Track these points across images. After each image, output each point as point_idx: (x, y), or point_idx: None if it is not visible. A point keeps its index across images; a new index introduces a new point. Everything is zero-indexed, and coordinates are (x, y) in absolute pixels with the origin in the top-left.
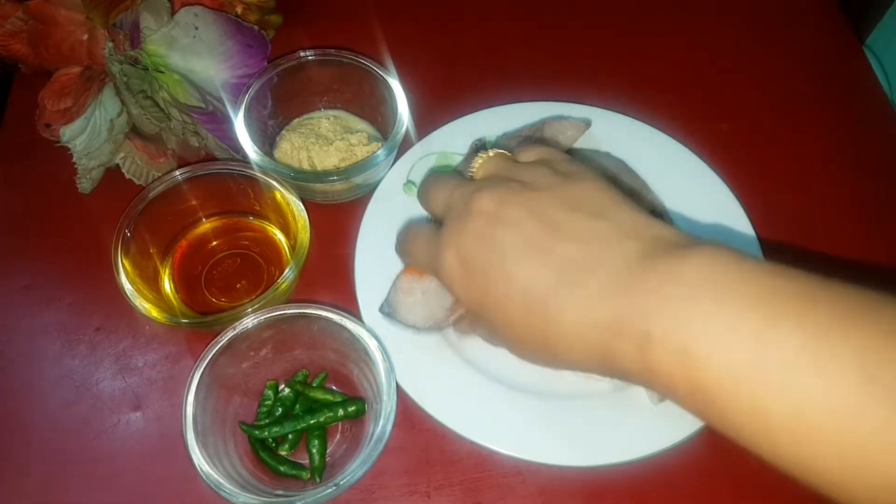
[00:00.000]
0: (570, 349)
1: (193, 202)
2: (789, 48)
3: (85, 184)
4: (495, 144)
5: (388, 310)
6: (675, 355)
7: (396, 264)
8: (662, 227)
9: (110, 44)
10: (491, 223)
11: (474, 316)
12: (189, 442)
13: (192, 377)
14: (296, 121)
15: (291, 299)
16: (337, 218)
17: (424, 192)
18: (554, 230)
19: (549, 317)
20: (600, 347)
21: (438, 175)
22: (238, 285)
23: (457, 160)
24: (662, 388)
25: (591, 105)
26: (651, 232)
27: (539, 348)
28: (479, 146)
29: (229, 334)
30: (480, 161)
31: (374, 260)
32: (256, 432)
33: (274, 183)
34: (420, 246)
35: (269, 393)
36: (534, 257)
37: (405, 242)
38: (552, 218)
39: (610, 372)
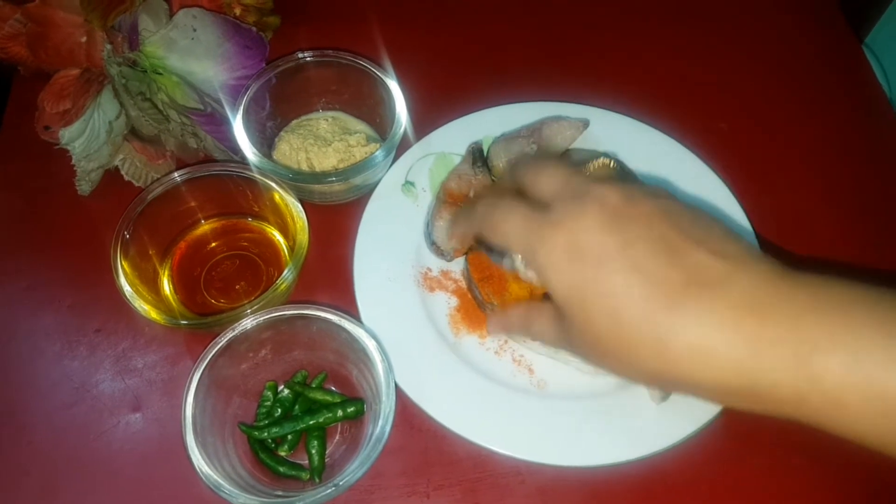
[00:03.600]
0: (692, 356)
1: (192, 204)
2: (789, 48)
3: (84, 186)
4: (494, 145)
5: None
6: (847, 368)
7: (396, 265)
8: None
9: (109, 46)
10: (618, 214)
11: (562, 307)
12: (188, 443)
13: (192, 378)
14: (294, 122)
15: (290, 300)
16: (335, 219)
17: (532, 169)
18: (687, 236)
19: (672, 322)
20: (734, 361)
21: (547, 156)
22: (237, 286)
23: (455, 161)
24: (821, 400)
25: (589, 105)
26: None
27: (644, 354)
28: (477, 150)
29: (228, 335)
30: (596, 165)
31: (373, 261)
32: (256, 433)
33: (272, 184)
34: (515, 223)
35: (269, 394)
36: (665, 255)
37: (494, 217)
38: (684, 226)
39: (732, 388)
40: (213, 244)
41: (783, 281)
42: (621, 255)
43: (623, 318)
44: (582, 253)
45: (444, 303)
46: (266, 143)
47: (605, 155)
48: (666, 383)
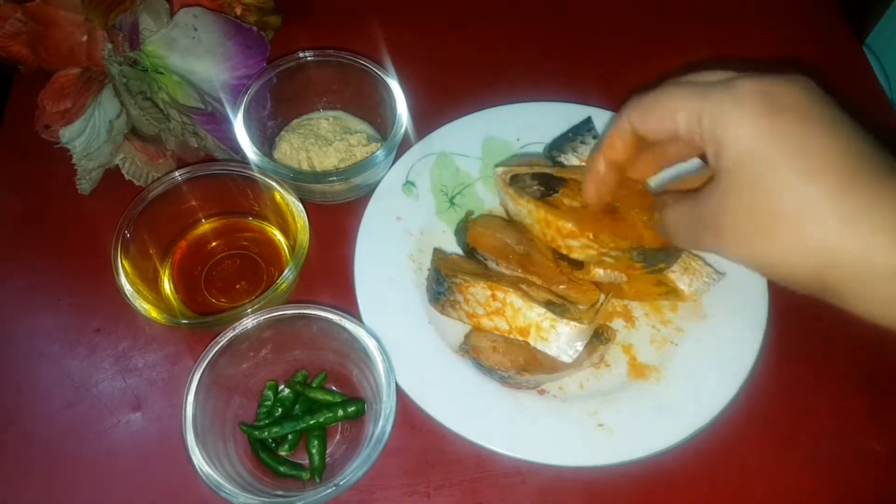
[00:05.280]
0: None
1: (193, 203)
2: (789, 48)
3: (84, 185)
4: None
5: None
6: None
7: (396, 265)
8: None
9: (109, 45)
10: (824, 94)
11: (733, 166)
12: (189, 442)
13: (192, 378)
14: (295, 121)
15: (291, 300)
16: (336, 218)
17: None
18: None
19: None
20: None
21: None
22: (237, 286)
23: (456, 161)
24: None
25: (589, 105)
26: None
27: (818, 227)
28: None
29: (229, 335)
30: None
31: (374, 260)
32: (256, 433)
33: (273, 183)
34: (678, 94)
35: (269, 393)
36: (874, 141)
37: (652, 100)
38: None
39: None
40: (214, 243)
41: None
42: (830, 122)
43: (816, 181)
44: (783, 106)
45: None
46: (267, 143)
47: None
48: (827, 267)
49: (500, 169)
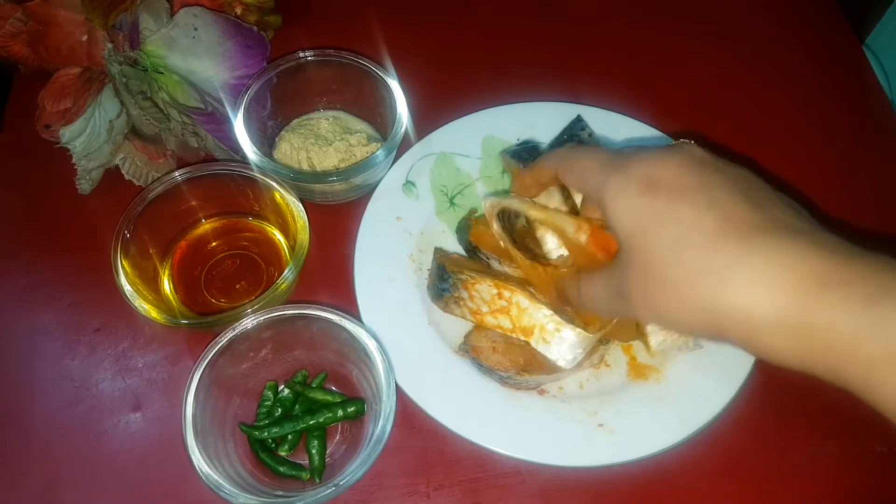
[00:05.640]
0: (753, 289)
1: (193, 203)
2: (789, 48)
3: (84, 185)
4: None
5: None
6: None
7: (396, 265)
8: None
9: (110, 45)
10: (704, 163)
11: (623, 239)
12: (189, 443)
13: (192, 378)
14: (295, 121)
15: (291, 300)
16: (336, 218)
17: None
18: (768, 197)
19: (740, 254)
20: (798, 296)
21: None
22: (237, 286)
23: (456, 161)
24: (881, 350)
25: (589, 105)
26: None
27: (702, 285)
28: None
29: (229, 335)
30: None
31: (374, 261)
32: (256, 433)
33: (273, 183)
34: (596, 160)
35: (269, 393)
36: (744, 202)
37: (579, 155)
38: (768, 192)
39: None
40: (214, 243)
41: (857, 252)
42: (698, 192)
43: (688, 246)
44: (657, 185)
45: None
46: (267, 143)
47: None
48: (715, 321)
49: (488, 201)
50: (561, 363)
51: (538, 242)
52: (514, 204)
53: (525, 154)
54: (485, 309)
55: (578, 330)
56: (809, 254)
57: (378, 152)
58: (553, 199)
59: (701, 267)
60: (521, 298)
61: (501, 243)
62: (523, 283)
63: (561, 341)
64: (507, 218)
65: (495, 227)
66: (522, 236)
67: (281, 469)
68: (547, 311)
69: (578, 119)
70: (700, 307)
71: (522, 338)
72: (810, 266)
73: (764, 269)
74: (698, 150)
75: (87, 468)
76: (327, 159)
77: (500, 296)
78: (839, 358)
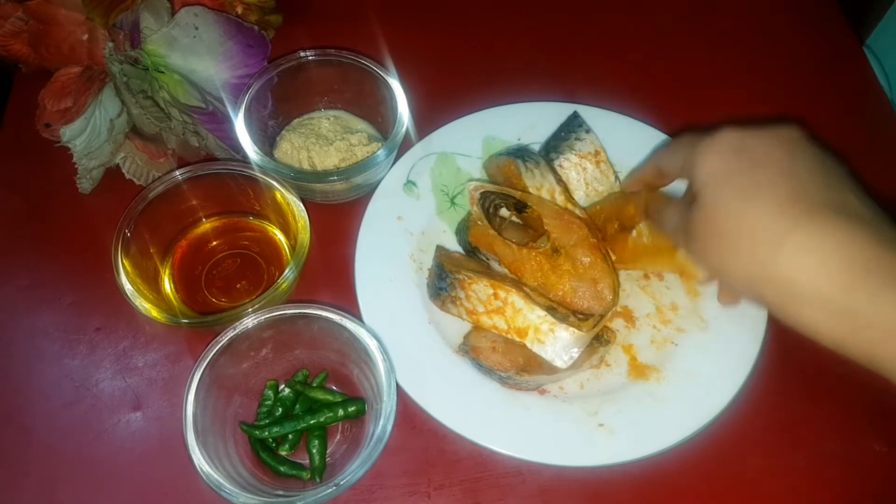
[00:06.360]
0: (806, 255)
1: (193, 202)
2: (789, 48)
3: (85, 184)
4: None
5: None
6: None
7: (397, 264)
8: None
9: (110, 44)
10: (796, 144)
11: (701, 188)
12: (189, 442)
13: (193, 377)
14: (296, 121)
15: (291, 299)
16: (337, 218)
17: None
18: (848, 185)
19: (806, 224)
20: (847, 266)
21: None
22: (238, 285)
23: (457, 160)
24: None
25: (589, 105)
26: None
27: (760, 243)
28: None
29: (229, 334)
30: None
31: (375, 260)
32: (256, 432)
33: (274, 183)
34: (689, 136)
35: (270, 393)
36: (823, 182)
37: (677, 139)
38: (852, 184)
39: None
40: (215, 243)
41: None
42: (781, 163)
43: (756, 204)
44: (745, 150)
45: None
46: (268, 142)
47: None
48: (759, 279)
49: (472, 184)
50: (557, 363)
51: (517, 234)
52: (493, 187)
53: (566, 133)
54: (481, 309)
55: (573, 329)
56: (865, 239)
57: (379, 152)
58: (544, 188)
59: (762, 226)
60: (516, 299)
61: (479, 222)
62: (519, 284)
63: (555, 341)
64: (487, 209)
65: (475, 209)
66: (500, 230)
67: (281, 468)
68: (541, 312)
69: (575, 115)
70: (749, 261)
71: (517, 339)
72: (863, 249)
73: (818, 241)
74: (795, 131)
75: (87, 468)
76: (328, 159)
77: (495, 296)
78: (875, 341)
